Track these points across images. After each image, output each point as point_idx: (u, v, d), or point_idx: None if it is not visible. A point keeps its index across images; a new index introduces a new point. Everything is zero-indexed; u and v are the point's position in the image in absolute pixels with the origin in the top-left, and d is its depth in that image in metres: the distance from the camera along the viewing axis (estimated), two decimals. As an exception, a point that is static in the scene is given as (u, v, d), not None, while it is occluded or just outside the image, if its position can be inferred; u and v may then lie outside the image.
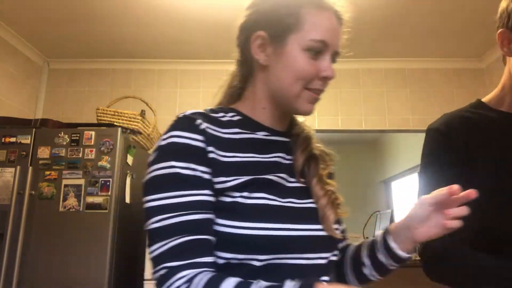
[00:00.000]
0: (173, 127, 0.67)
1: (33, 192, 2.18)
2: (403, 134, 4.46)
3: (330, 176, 0.81)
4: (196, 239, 0.60)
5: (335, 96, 3.29)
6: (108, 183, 2.21)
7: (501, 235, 0.84)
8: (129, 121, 2.60)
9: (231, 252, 0.62)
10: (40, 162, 2.24)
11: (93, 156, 2.25)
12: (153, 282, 0.61)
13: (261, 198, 0.64)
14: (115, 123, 2.51)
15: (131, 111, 2.66)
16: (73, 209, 2.17)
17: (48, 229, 2.16)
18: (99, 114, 2.62)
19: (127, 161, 2.40)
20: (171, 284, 0.57)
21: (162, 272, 0.58)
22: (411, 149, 4.56)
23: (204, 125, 0.67)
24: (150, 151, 2.93)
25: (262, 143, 0.73)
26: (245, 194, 0.63)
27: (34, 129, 2.30)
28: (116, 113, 2.61)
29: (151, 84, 3.31)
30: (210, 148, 0.65)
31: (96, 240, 2.14)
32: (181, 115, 0.69)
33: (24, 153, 2.25)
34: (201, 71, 3.34)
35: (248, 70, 0.77)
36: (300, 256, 0.66)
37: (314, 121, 3.20)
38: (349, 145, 5.35)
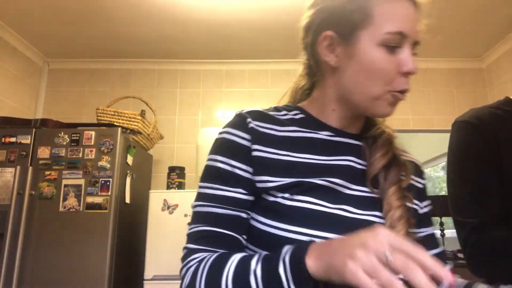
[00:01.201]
0: (228, 123, 0.69)
1: (33, 192, 2.18)
2: (403, 134, 4.45)
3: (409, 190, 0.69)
4: (215, 231, 0.62)
5: (335, 96, 3.29)
6: (108, 183, 2.21)
7: None
8: (129, 121, 2.60)
9: (267, 251, 0.61)
10: (40, 162, 2.24)
11: (93, 156, 2.25)
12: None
13: (304, 202, 0.61)
14: (115, 123, 2.51)
15: (131, 111, 2.66)
16: (73, 209, 2.17)
17: (48, 229, 2.16)
18: (99, 114, 2.62)
19: (127, 161, 2.40)
20: (186, 264, 0.61)
21: (184, 251, 0.63)
22: (411, 149, 4.56)
23: (254, 124, 0.66)
24: (150, 151, 2.93)
25: (325, 144, 0.68)
26: (286, 195, 0.62)
27: (34, 129, 2.30)
28: (116, 113, 2.61)
29: (151, 84, 3.31)
30: (256, 146, 0.64)
31: (96, 240, 2.14)
32: (237, 112, 0.69)
33: (24, 153, 2.25)
34: (201, 71, 3.34)
35: (316, 71, 0.72)
36: None
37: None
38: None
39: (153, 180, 2.97)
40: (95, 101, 3.16)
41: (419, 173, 0.76)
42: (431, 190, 5.03)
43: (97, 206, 2.18)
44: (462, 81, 3.30)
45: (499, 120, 0.94)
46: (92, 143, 2.27)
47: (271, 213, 0.62)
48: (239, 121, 0.67)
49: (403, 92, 0.65)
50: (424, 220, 0.71)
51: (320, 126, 0.70)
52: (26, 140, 2.27)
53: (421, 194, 0.74)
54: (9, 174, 2.21)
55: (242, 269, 0.55)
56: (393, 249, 0.44)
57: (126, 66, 3.33)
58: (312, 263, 0.49)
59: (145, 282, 2.30)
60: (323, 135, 0.69)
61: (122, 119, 2.59)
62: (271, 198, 0.62)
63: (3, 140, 2.27)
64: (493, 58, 3.16)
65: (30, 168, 2.20)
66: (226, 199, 0.63)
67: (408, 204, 0.66)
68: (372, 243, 0.45)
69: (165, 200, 2.41)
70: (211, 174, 0.65)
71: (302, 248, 0.52)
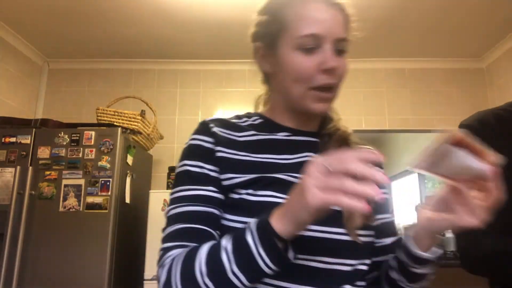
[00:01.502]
0: (193, 132, 0.73)
1: (33, 192, 2.18)
2: (403, 134, 4.45)
3: None
4: (190, 227, 0.64)
5: (335, 96, 3.29)
6: (108, 183, 2.21)
7: None
8: (129, 121, 2.59)
9: None
10: (40, 162, 2.24)
11: (93, 156, 2.25)
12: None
13: (268, 196, 0.64)
14: (115, 123, 2.51)
15: (131, 111, 2.66)
16: (73, 209, 2.17)
17: (48, 229, 2.16)
18: (99, 114, 2.62)
19: (127, 161, 2.40)
20: (162, 262, 0.62)
21: (160, 253, 0.64)
22: (411, 149, 4.56)
23: (216, 129, 0.71)
24: (150, 151, 2.93)
25: (284, 144, 0.72)
26: (250, 191, 0.64)
27: (34, 129, 2.30)
28: (116, 113, 2.61)
29: (151, 84, 3.31)
30: (219, 148, 0.69)
31: (96, 240, 2.14)
32: (201, 121, 0.74)
33: (24, 153, 2.25)
34: (201, 71, 3.34)
35: (266, 79, 0.79)
36: (313, 258, 0.63)
37: (314, 121, 3.20)
38: (349, 145, 5.32)
39: (153, 180, 2.97)
40: (95, 101, 3.16)
41: (377, 163, 0.79)
42: (431, 190, 5.03)
43: (97, 206, 2.18)
44: (462, 81, 3.30)
45: (502, 123, 0.93)
46: (92, 143, 2.27)
47: (238, 210, 0.65)
48: (202, 128, 0.72)
49: (324, 88, 0.67)
50: (378, 208, 0.75)
51: (277, 128, 0.75)
52: (26, 140, 2.27)
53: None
54: (9, 174, 2.21)
55: (214, 249, 0.57)
56: (329, 162, 0.48)
57: (126, 66, 3.33)
58: (276, 222, 0.52)
59: (145, 282, 2.30)
60: (280, 136, 0.74)
61: (122, 119, 2.59)
62: (237, 196, 0.65)
63: (3, 140, 2.27)
64: (493, 58, 3.16)
65: (30, 168, 2.20)
66: (198, 197, 0.65)
67: None
68: (312, 168, 0.49)
69: (165, 200, 2.41)
70: (182, 178, 0.68)
71: (266, 215, 0.54)
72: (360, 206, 0.45)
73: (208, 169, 0.67)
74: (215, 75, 3.34)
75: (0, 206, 2.16)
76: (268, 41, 0.71)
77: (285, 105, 0.74)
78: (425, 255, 0.65)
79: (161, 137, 2.98)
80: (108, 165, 2.24)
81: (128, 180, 2.38)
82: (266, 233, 0.53)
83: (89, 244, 2.14)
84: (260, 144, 0.71)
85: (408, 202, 4.96)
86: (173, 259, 0.60)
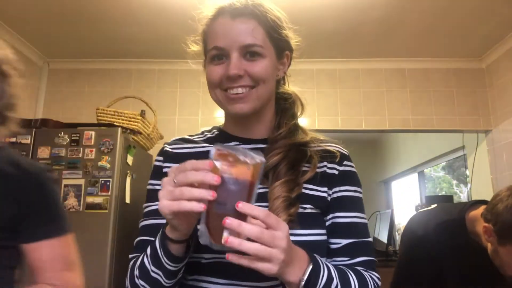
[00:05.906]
0: None
1: (33, 192, 2.18)
2: (403, 134, 4.46)
3: (326, 178, 0.76)
4: (144, 239, 0.76)
5: (335, 96, 3.28)
6: (108, 183, 2.21)
7: None
8: (129, 121, 2.59)
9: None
10: (40, 162, 2.24)
11: (93, 156, 2.25)
12: None
13: None
14: (115, 123, 2.51)
15: (131, 111, 2.66)
16: (73, 209, 2.17)
17: (48, 229, 2.15)
18: (99, 114, 2.62)
19: (127, 161, 2.40)
20: (128, 268, 0.73)
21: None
22: (411, 149, 4.56)
23: (168, 147, 0.82)
24: (150, 151, 2.93)
25: None
26: None
27: (34, 129, 2.30)
28: (116, 113, 2.60)
29: (151, 84, 3.31)
30: (166, 164, 0.80)
31: (96, 240, 2.14)
32: None
33: (24, 153, 2.25)
34: (201, 71, 3.33)
35: None
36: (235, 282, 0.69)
37: (314, 121, 3.19)
38: (349, 145, 5.33)
39: (153, 180, 2.96)
40: (95, 101, 3.16)
41: (335, 160, 0.80)
42: (431, 191, 5.02)
43: (97, 206, 2.18)
44: (462, 81, 3.30)
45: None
46: (92, 143, 2.27)
47: None
48: (160, 149, 0.84)
49: (231, 90, 0.74)
50: (334, 205, 0.76)
51: (228, 138, 0.82)
52: (26, 140, 2.27)
53: (333, 180, 0.77)
54: (9, 174, 2.20)
55: (143, 256, 0.69)
56: (174, 175, 0.57)
57: (126, 66, 3.33)
58: (167, 229, 0.63)
59: (145, 282, 2.30)
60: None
61: (122, 119, 2.59)
62: None
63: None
64: (493, 58, 3.16)
65: (30, 168, 2.20)
66: (152, 212, 0.77)
67: (294, 194, 0.70)
68: (164, 180, 0.58)
69: (165, 200, 2.41)
70: (146, 196, 0.81)
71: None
72: (197, 206, 0.52)
73: (157, 184, 0.77)
74: (215, 75, 3.33)
75: (0, 206, 2.16)
76: (204, 57, 0.83)
77: (226, 114, 0.83)
78: None
79: (161, 137, 2.98)
80: (108, 165, 2.24)
81: (128, 180, 2.38)
82: (162, 238, 0.64)
83: (89, 244, 2.14)
84: (206, 156, 0.74)
85: (408, 202, 4.96)
86: (133, 263, 0.72)
